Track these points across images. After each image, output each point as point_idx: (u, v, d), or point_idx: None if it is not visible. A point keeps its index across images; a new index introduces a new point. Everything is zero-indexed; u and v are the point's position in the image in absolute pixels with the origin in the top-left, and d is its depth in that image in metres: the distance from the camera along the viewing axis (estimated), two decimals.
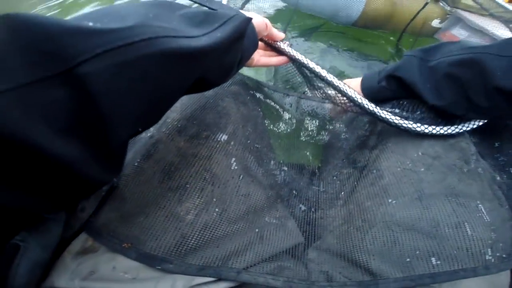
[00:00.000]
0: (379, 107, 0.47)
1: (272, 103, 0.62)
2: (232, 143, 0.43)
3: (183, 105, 0.46)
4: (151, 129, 0.44)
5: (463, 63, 0.41)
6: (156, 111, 0.30)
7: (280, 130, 0.59)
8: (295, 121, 0.63)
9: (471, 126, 0.46)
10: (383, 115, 0.46)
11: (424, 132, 0.45)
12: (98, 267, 0.33)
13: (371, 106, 0.46)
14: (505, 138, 0.52)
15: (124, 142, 0.26)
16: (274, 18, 1.12)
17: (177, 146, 0.40)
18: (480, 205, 0.39)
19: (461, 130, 0.46)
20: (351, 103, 0.47)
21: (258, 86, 0.60)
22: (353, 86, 0.52)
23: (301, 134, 0.60)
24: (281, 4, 1.13)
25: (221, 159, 0.40)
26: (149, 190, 0.37)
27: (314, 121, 0.63)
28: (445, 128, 0.45)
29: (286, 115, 0.63)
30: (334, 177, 0.51)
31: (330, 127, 0.61)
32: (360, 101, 0.46)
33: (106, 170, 0.25)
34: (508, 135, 0.51)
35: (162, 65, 0.24)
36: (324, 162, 0.55)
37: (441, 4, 1.01)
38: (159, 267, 0.33)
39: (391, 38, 1.09)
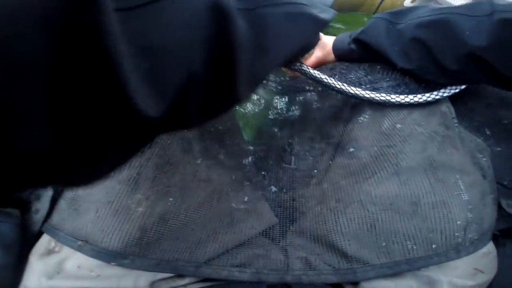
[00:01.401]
0: (348, 82, 0.44)
1: None
2: None
3: None
4: None
5: (432, 24, 0.40)
6: None
7: (246, 111, 0.56)
8: (263, 101, 0.60)
9: (446, 93, 0.43)
10: (352, 92, 0.43)
11: (400, 103, 0.42)
12: (62, 267, 0.33)
13: (338, 84, 0.43)
14: (475, 96, 0.50)
15: None
16: None
17: None
18: (459, 181, 0.37)
19: (437, 97, 0.42)
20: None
21: None
22: (325, 43, 0.53)
23: (270, 112, 0.57)
24: None
25: (176, 143, 0.37)
26: (98, 184, 0.35)
27: (283, 98, 0.60)
28: (419, 96, 0.42)
29: (253, 95, 0.60)
30: (307, 152, 0.48)
31: (301, 98, 0.58)
32: (326, 80, 0.43)
33: None
34: (478, 91, 0.49)
35: None
36: (295, 136, 0.52)
37: None
38: (114, 263, 0.31)
39: (365, 19, 1.06)
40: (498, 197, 0.42)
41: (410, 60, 0.42)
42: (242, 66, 0.22)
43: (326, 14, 0.33)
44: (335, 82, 0.43)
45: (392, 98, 0.42)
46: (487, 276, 0.36)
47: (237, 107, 0.55)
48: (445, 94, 0.43)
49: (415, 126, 0.40)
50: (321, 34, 0.54)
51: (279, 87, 0.58)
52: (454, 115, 0.43)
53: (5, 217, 0.34)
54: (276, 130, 0.54)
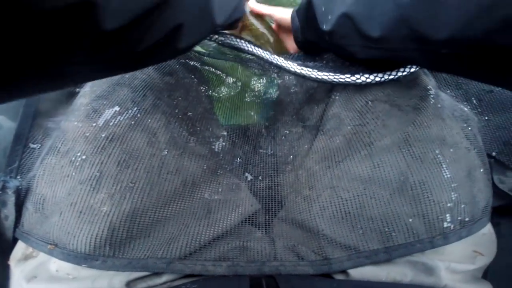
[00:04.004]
0: (314, 68, 0.42)
1: (212, 69, 0.56)
2: (153, 116, 0.37)
3: (93, 86, 0.40)
4: (62, 121, 0.39)
5: None
6: None
7: (221, 95, 0.54)
8: (240, 83, 0.57)
9: (414, 68, 0.39)
10: (319, 77, 0.41)
11: (366, 82, 0.39)
12: (39, 271, 0.32)
13: (302, 69, 0.42)
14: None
15: None
16: None
17: (85, 132, 0.35)
18: (439, 156, 0.33)
19: (405, 73, 0.39)
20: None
21: (193, 54, 0.54)
22: (281, 19, 0.52)
23: (246, 95, 0.55)
24: None
25: (138, 136, 0.35)
26: (59, 186, 0.33)
27: (261, 80, 0.57)
28: (388, 73, 0.39)
29: (230, 79, 0.57)
30: (283, 137, 0.46)
31: (279, 81, 0.55)
32: (291, 69, 0.42)
33: None
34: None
35: None
36: (272, 119, 0.50)
37: None
38: (85, 265, 0.30)
39: None
40: (490, 171, 0.38)
41: (337, 37, 0.38)
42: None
43: None
44: (288, 63, 0.43)
45: (357, 78, 0.39)
46: (487, 258, 0.34)
47: (209, 92, 0.53)
48: (412, 69, 0.39)
49: (388, 101, 0.37)
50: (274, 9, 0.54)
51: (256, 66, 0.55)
52: (430, 86, 0.39)
53: None
54: (252, 113, 0.52)
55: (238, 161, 0.43)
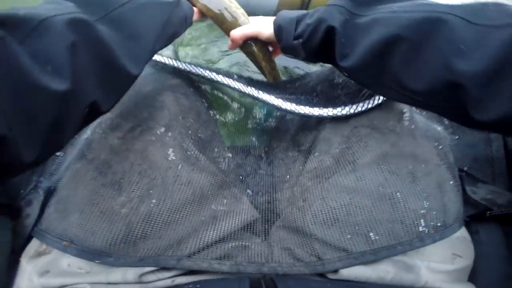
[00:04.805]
0: (300, 103, 0.48)
1: (220, 94, 0.63)
2: (169, 134, 0.43)
3: (118, 103, 0.45)
4: (88, 131, 0.44)
5: (414, 24, 0.29)
6: None
7: (227, 120, 0.60)
8: (243, 110, 0.63)
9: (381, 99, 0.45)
10: (301, 111, 0.47)
11: (346, 115, 0.45)
12: (52, 266, 0.35)
13: (291, 106, 0.47)
14: None
15: None
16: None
17: (111, 143, 0.40)
18: (412, 170, 0.39)
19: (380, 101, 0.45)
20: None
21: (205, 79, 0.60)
22: (264, 29, 0.49)
23: (249, 122, 0.61)
24: None
25: (157, 151, 0.40)
26: (82, 188, 0.37)
27: (262, 109, 0.64)
28: (366, 102, 0.45)
29: (235, 105, 0.64)
30: (281, 161, 0.52)
31: (278, 114, 0.62)
32: (279, 105, 0.48)
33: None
34: None
35: None
36: (271, 146, 0.56)
37: None
38: (98, 261, 0.34)
39: None
40: (462, 183, 0.44)
41: (365, 68, 0.35)
42: (121, 52, 0.31)
43: None
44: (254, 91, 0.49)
45: (339, 112, 0.45)
46: (466, 261, 0.38)
47: (217, 117, 0.59)
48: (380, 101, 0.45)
49: (370, 125, 0.43)
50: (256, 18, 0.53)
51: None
52: (405, 110, 0.45)
53: None
54: (253, 139, 0.58)
55: (241, 179, 0.48)
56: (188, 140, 0.45)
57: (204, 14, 0.53)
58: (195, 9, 0.51)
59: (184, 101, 0.50)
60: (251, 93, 0.50)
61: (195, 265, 0.35)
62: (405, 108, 0.46)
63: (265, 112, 0.64)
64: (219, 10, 0.52)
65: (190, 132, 0.46)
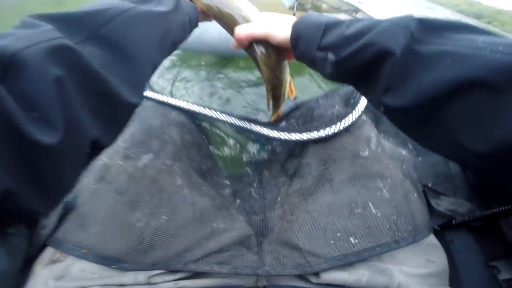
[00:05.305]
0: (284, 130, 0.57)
1: (218, 131, 0.72)
2: (177, 164, 0.51)
3: (132, 134, 0.54)
4: (104, 158, 0.50)
5: (499, 68, 0.21)
6: None
7: (225, 154, 0.69)
8: (239, 146, 0.72)
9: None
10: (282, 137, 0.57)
11: (324, 137, 0.54)
12: (67, 272, 0.39)
13: (275, 133, 0.57)
14: None
15: None
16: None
17: (127, 169, 0.48)
18: (380, 184, 0.46)
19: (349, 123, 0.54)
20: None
21: (206, 117, 0.70)
22: (276, 31, 0.42)
23: (244, 156, 0.70)
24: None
25: (167, 177, 0.48)
26: (103, 205, 0.44)
27: (255, 145, 0.73)
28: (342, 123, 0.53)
29: (231, 141, 0.73)
30: (272, 186, 0.60)
31: (269, 147, 0.71)
32: (264, 132, 0.58)
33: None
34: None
35: None
36: (263, 174, 0.63)
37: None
38: (115, 266, 0.39)
39: None
40: (426, 196, 0.50)
41: (415, 111, 0.28)
42: (116, 79, 0.27)
43: (161, 7, 0.36)
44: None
45: (315, 134, 0.54)
46: (439, 266, 0.42)
47: (215, 151, 0.68)
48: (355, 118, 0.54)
49: (343, 149, 0.51)
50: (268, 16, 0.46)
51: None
52: (373, 135, 0.52)
53: (17, 230, 0.40)
54: (248, 170, 0.66)
55: (238, 202, 0.55)
56: (192, 170, 0.53)
57: (206, 14, 0.48)
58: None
59: (188, 137, 0.59)
60: (244, 125, 0.59)
61: (199, 268, 0.40)
62: (372, 133, 0.55)
63: (257, 147, 0.73)
64: (221, 8, 0.46)
65: (193, 164, 0.55)
